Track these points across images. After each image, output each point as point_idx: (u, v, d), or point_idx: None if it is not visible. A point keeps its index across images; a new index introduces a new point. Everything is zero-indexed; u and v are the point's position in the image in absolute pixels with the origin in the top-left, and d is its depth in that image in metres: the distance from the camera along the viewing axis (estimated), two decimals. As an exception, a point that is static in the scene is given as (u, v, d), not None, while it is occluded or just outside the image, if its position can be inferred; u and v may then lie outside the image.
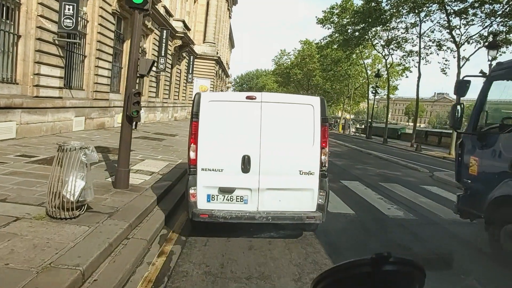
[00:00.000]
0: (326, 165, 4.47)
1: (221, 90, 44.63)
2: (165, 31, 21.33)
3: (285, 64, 59.01)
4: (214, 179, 4.35)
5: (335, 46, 32.68)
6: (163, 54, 21.52)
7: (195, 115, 4.36)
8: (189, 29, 27.71)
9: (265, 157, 4.37)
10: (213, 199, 4.38)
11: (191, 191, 4.33)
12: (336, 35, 30.92)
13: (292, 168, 4.43)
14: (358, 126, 43.03)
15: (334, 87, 46.19)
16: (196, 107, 4.37)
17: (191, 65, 32.04)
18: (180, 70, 30.21)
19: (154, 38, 20.84)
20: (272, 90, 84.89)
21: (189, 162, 4.38)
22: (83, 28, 12.81)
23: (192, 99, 4.59)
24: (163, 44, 21.41)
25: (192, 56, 32.04)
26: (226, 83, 60.31)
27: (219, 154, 4.38)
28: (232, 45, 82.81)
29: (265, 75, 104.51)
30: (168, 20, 22.50)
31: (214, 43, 36.15)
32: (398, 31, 24.06)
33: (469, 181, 5.26)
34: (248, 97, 4.46)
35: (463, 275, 4.04)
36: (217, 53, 36.04)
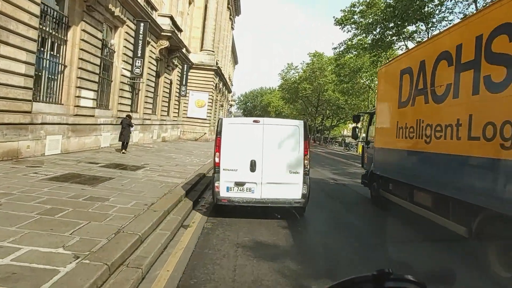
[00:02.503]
0: (308, 167, 6.42)
1: (221, 106, 39.03)
2: (142, 24, 15.84)
3: (292, 79, 53.63)
4: (231, 176, 6.23)
5: (354, 53, 27.16)
6: (139, 55, 15.95)
7: (219, 133, 6.27)
8: (180, 30, 22.35)
9: (266, 161, 6.28)
10: (230, 189, 6.25)
11: (216, 184, 6.21)
12: (356, 39, 25.42)
13: (284, 168, 6.34)
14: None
15: (349, 102, 40.54)
16: (220, 127, 6.32)
17: (184, 75, 26.56)
18: (170, 80, 24.69)
19: (127, 33, 15.32)
20: (277, 108, 79.80)
21: (215, 164, 6.31)
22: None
23: (216, 122, 7.83)
24: (140, 41, 15.87)
25: (186, 65, 26.62)
26: (228, 99, 54.85)
27: (234, 159, 6.27)
28: (235, 61, 78.15)
29: (270, 93, 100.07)
30: (149, 13, 17.09)
31: (213, 51, 30.84)
32: (449, 22, 18.45)
33: (365, 166, 9.98)
34: (254, 121, 6.56)
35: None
36: (216, 63, 30.68)
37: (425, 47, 6.77)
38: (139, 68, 15.93)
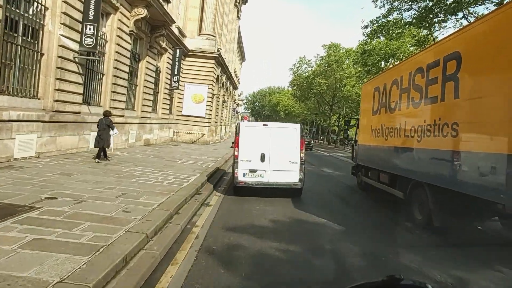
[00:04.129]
0: (303, 158, 8.24)
1: (224, 101, 33.38)
2: (95, -29, 10.34)
3: (305, 74, 47.84)
4: (246, 165, 8.05)
5: (387, 34, 21.34)
6: (92, 18, 10.47)
7: (237, 133, 8.24)
8: (166, 0, 16.89)
9: (272, 154, 8.09)
10: (245, 175, 8.05)
11: (235, 171, 8.04)
12: (395, 14, 19.60)
13: (285, 159, 8.10)
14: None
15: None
16: (238, 129, 8.31)
17: (177, 63, 21.09)
18: (157, 68, 19.25)
19: (69, -18, 9.84)
20: (287, 107, 74.31)
21: (234, 157, 8.14)
22: None
23: (235, 127, 10.36)
24: (92, -3, 10.39)
25: (178, 50, 21.15)
26: (234, 97, 49.25)
27: (249, 152, 8.06)
28: (242, 57, 72.62)
29: (279, 92, 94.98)
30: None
31: (214, 36, 25.31)
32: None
33: (354, 159, 11.63)
34: (263, 125, 8.53)
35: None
36: (218, 50, 25.16)
37: (388, 72, 9.23)
38: (91, 38, 10.45)
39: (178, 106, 24.11)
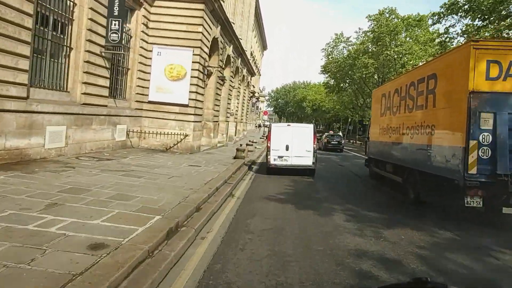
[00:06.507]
0: (315, 148, 11.49)
1: (222, 80, 22.08)
2: None
3: (345, 54, 35.93)
4: (276, 152, 11.21)
5: None
6: None
7: (269, 131, 11.84)
8: None
9: (294, 145, 11.18)
10: (275, 160, 11.21)
11: (268, 157, 11.27)
12: None
13: (303, 149, 11.20)
14: None
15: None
16: (270, 128, 12.00)
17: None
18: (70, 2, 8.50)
19: None
20: (315, 102, 63.61)
21: (267, 147, 11.45)
22: None
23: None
24: None
25: (122, -32, 10.31)
26: (250, 86, 37.95)
27: (277, 144, 11.20)
28: (263, 45, 61.33)
29: (304, 87, 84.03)
30: None
31: (205, -34, 14.40)
32: None
33: (367, 153, 13.54)
34: (288, 125, 12.13)
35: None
36: (212, -10, 14.24)
37: (392, 83, 11.26)
38: None
39: (140, 86, 13.36)
